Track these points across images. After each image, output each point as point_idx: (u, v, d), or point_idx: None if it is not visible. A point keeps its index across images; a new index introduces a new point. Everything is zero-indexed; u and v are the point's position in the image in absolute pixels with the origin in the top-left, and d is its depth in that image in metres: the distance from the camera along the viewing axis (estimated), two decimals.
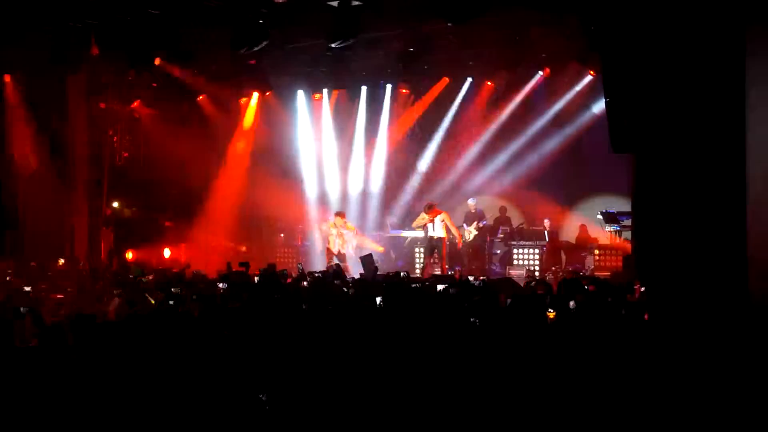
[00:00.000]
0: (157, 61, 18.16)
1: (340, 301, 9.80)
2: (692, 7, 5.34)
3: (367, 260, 15.11)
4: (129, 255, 19.62)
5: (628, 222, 16.42)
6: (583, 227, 19.48)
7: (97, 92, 19.46)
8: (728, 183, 5.19)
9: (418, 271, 18.58)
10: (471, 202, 19.94)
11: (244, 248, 20.87)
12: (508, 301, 9.36)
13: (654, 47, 8.18)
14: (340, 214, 18.49)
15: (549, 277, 16.72)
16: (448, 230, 17.65)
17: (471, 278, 11.78)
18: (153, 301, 10.74)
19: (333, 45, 15.58)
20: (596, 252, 18.19)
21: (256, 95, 21.55)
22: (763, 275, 5.72)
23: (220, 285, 11.30)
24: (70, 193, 19.36)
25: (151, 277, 13.48)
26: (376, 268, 14.51)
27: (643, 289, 11.69)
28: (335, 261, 17.08)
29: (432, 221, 17.56)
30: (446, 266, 17.57)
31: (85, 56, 17.05)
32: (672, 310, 7.34)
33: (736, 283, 5.13)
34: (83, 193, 19.45)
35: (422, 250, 19.09)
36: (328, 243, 18.14)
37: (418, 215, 18.10)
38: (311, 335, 7.32)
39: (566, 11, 14.71)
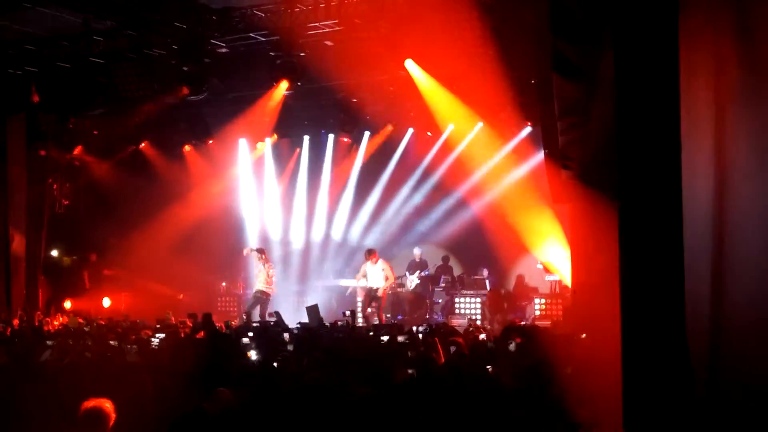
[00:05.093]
0: (98, 110, 18.08)
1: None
2: (630, 63, 5.60)
3: (312, 310, 15.13)
4: (67, 304, 19.21)
5: (566, 271, 16.57)
6: (520, 277, 19.55)
7: (36, 139, 19.10)
8: (665, 231, 5.37)
9: (360, 320, 18.41)
10: (417, 251, 19.94)
11: (181, 296, 20.53)
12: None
13: (590, 98, 8.43)
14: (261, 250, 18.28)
15: (495, 326, 16.75)
16: (387, 280, 17.64)
17: (415, 328, 11.80)
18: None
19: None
20: (541, 301, 18.20)
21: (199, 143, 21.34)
22: (698, 321, 5.93)
23: (155, 339, 11.08)
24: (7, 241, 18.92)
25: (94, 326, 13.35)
26: (321, 319, 14.54)
27: (584, 336, 11.88)
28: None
29: (374, 263, 17.49)
30: (383, 317, 17.56)
31: (25, 103, 16.91)
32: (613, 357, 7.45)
33: (673, 334, 5.31)
34: (21, 242, 18.97)
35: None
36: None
37: (361, 265, 18.07)
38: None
39: (507, 64, 15.07)
